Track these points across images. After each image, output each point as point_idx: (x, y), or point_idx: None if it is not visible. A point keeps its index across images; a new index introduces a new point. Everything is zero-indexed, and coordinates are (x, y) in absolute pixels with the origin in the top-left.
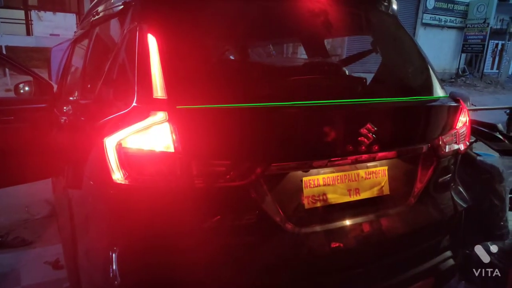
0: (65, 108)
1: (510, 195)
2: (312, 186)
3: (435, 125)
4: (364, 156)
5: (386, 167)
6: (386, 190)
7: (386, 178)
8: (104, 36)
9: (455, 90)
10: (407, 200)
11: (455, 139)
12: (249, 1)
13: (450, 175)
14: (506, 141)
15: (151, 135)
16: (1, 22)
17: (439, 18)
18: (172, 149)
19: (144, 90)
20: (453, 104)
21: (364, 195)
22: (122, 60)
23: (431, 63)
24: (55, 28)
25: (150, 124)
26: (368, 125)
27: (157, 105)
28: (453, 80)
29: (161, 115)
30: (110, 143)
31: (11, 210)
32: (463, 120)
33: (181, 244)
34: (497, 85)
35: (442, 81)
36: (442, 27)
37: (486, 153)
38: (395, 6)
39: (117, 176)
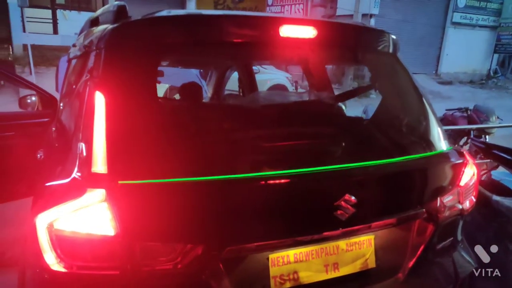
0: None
1: None
2: (280, 264)
3: (432, 187)
4: (344, 230)
5: (372, 236)
6: (372, 263)
7: (372, 248)
8: (71, 78)
9: (479, 103)
10: (397, 273)
11: (457, 199)
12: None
13: (451, 239)
14: None
15: (86, 216)
16: (28, 21)
17: (471, 17)
18: (111, 232)
19: (85, 160)
20: (455, 161)
21: (345, 270)
22: (75, 114)
23: (433, 108)
24: (79, 27)
25: (85, 204)
26: (347, 197)
27: (96, 180)
28: (483, 81)
29: (98, 194)
30: (42, 223)
31: (13, 224)
32: (469, 173)
33: None
34: None
35: (471, 83)
36: (474, 26)
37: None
38: (395, 45)
39: (51, 261)
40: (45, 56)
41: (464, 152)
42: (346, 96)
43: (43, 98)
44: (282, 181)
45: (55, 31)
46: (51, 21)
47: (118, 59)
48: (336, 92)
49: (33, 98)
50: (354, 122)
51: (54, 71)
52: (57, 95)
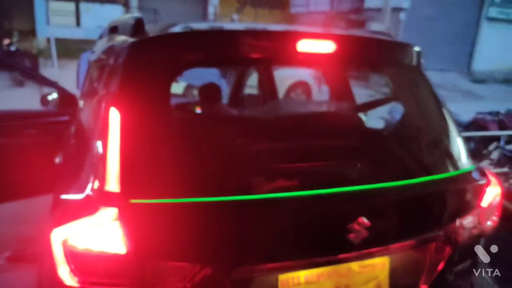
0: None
1: None
2: (290, 285)
3: (451, 208)
4: (357, 253)
5: (386, 259)
6: (385, 285)
7: (385, 271)
8: (90, 84)
9: None
10: None
11: (478, 220)
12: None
13: (470, 260)
14: None
15: (99, 234)
16: (52, 14)
17: (508, 12)
18: (123, 250)
19: (98, 177)
20: (477, 181)
21: None
22: (90, 128)
23: (455, 126)
24: (102, 19)
25: (98, 223)
26: (360, 219)
27: (108, 199)
28: None
29: (111, 212)
30: (57, 238)
31: (33, 219)
32: (492, 193)
33: None
34: None
35: (507, 82)
36: (511, 21)
37: None
38: (418, 57)
39: (64, 275)
40: (68, 48)
41: (487, 172)
42: (367, 107)
43: (63, 96)
44: (294, 202)
45: (78, 24)
46: (74, 14)
47: (134, 76)
48: (362, 89)
49: (55, 96)
50: (373, 136)
51: (76, 63)
52: (77, 92)
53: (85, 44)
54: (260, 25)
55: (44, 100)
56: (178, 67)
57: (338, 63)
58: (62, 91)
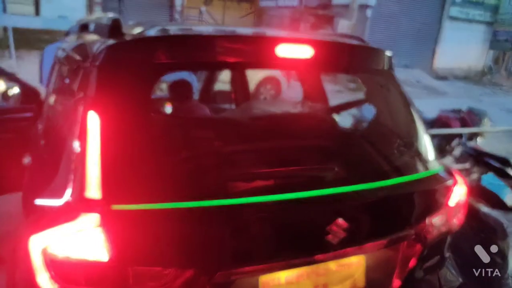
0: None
1: None
2: (271, 286)
3: (422, 208)
4: (335, 253)
5: (361, 257)
6: (361, 283)
7: (361, 269)
8: (60, 85)
9: (473, 105)
10: None
11: (446, 218)
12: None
13: (438, 257)
14: None
15: (80, 241)
16: (9, 2)
17: (468, 12)
18: (105, 257)
19: (78, 183)
20: (445, 182)
21: None
22: (66, 131)
23: (424, 128)
24: (63, 10)
25: (79, 229)
26: (338, 221)
27: (89, 205)
28: (478, 78)
29: (93, 219)
30: (35, 245)
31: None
32: (458, 193)
33: None
34: None
35: (466, 79)
36: (470, 21)
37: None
38: (390, 62)
39: (44, 282)
40: (27, 39)
41: (454, 172)
42: (340, 108)
43: (25, 91)
44: (274, 206)
45: (37, 13)
46: (33, 2)
47: (112, 79)
48: (330, 85)
49: (16, 91)
50: (347, 138)
51: (35, 54)
52: (39, 86)
53: (45, 35)
54: (240, 29)
55: (4, 96)
56: (158, 70)
57: (315, 67)
58: (24, 86)
